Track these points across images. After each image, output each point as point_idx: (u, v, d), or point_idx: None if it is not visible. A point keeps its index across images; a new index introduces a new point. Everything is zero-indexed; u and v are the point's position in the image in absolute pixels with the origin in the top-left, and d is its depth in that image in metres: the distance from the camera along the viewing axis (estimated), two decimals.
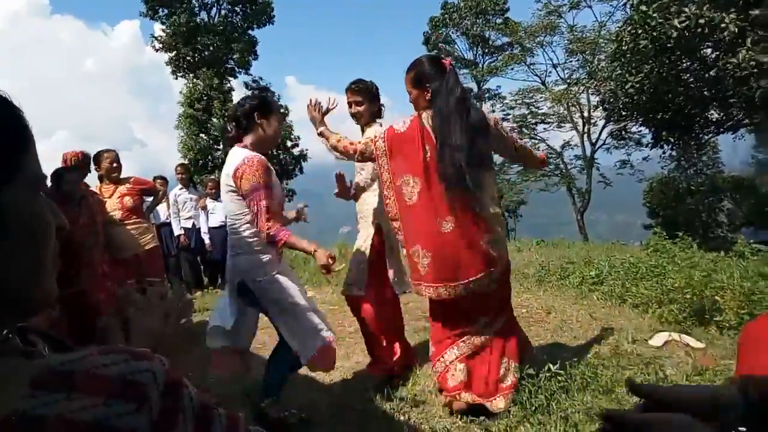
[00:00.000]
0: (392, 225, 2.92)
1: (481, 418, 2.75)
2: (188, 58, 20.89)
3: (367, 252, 3.33)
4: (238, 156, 2.55)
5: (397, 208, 2.83)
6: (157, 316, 0.83)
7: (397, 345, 3.46)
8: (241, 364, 2.77)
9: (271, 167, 2.61)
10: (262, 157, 2.57)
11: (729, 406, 0.69)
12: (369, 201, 3.36)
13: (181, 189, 7.38)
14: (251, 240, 2.59)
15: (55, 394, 0.48)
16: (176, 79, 21.20)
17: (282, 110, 21.73)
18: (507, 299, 2.99)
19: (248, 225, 2.57)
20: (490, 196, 2.79)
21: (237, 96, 20.23)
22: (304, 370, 3.76)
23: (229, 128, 2.71)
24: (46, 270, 0.61)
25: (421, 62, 2.87)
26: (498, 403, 2.76)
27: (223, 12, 21.86)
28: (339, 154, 3.06)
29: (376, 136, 2.90)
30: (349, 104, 3.40)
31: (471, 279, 2.71)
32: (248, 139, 2.65)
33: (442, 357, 2.87)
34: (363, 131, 3.43)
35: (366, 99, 3.34)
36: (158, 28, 21.32)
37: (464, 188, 2.63)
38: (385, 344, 3.41)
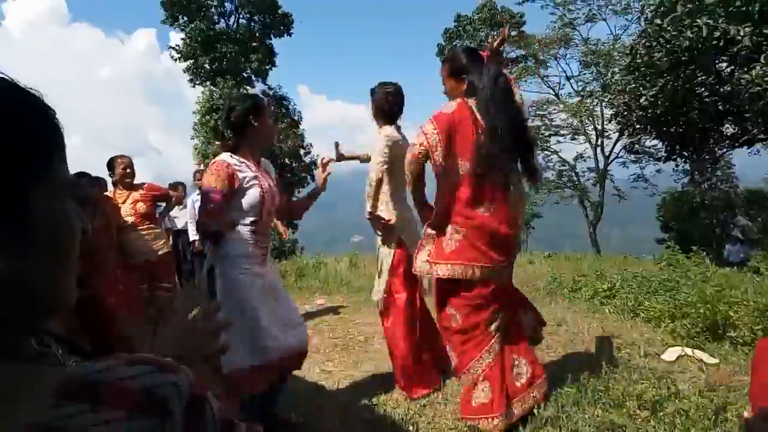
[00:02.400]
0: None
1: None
2: (206, 66, 21.10)
3: (387, 268, 3.36)
4: (213, 161, 2.60)
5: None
6: (183, 330, 0.82)
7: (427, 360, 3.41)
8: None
9: (244, 172, 2.57)
10: (230, 163, 2.54)
11: None
12: (386, 214, 3.35)
13: (198, 194, 7.38)
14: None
15: (80, 405, 0.47)
16: (194, 87, 21.40)
17: (296, 118, 21.88)
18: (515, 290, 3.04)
19: None
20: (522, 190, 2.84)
21: None
22: (313, 377, 3.78)
23: (226, 135, 2.68)
24: (69, 274, 0.61)
25: (457, 53, 2.88)
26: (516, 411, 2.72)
27: (242, 21, 22.09)
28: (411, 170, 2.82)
29: (424, 133, 2.69)
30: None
31: (495, 264, 2.69)
32: (245, 144, 2.65)
33: (469, 370, 2.75)
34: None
35: None
36: (176, 37, 21.59)
37: (506, 176, 2.65)
38: (414, 358, 3.33)
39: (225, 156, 2.59)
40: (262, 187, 2.61)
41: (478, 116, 2.68)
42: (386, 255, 3.39)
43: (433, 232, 2.83)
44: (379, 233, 3.40)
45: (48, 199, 0.56)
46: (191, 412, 0.52)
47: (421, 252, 2.88)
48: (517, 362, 2.80)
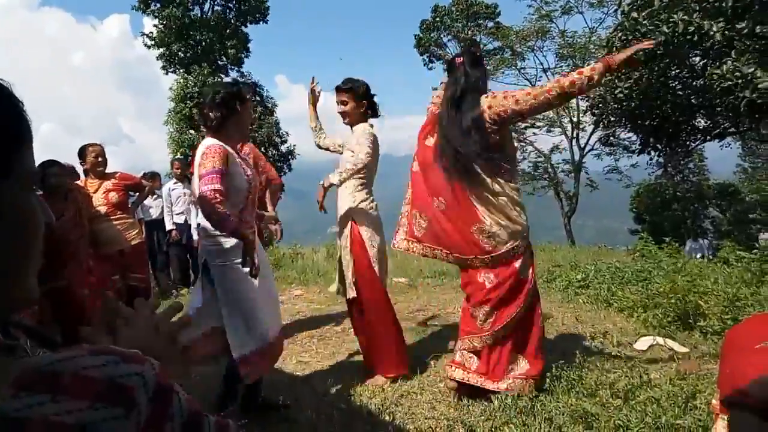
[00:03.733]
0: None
1: (465, 416, 2.76)
2: (180, 53, 20.75)
3: (349, 252, 3.41)
4: (203, 146, 2.59)
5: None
6: (145, 330, 0.80)
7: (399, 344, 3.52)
8: (214, 344, 2.69)
9: (234, 156, 2.61)
10: (224, 146, 2.56)
11: None
12: (344, 199, 3.43)
13: (176, 183, 7.25)
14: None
15: (39, 396, 0.46)
16: (167, 74, 21.04)
17: (269, 106, 21.66)
18: (520, 293, 2.95)
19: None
20: (493, 191, 2.86)
21: None
22: (290, 368, 3.77)
23: (212, 116, 2.65)
24: (32, 268, 0.59)
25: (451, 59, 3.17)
26: (500, 385, 2.88)
27: (216, 8, 21.75)
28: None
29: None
30: (337, 103, 3.48)
31: (454, 254, 2.98)
32: (226, 129, 2.65)
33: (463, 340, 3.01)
34: (352, 130, 3.48)
35: (352, 99, 3.40)
36: (149, 24, 21.19)
37: (459, 176, 2.86)
38: (386, 342, 3.43)
39: (212, 140, 2.60)
40: (247, 174, 2.65)
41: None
42: (345, 241, 3.45)
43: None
44: (318, 200, 3.30)
45: (13, 191, 0.55)
46: (157, 402, 0.51)
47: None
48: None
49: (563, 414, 2.65)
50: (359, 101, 3.42)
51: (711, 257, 11.04)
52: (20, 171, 0.56)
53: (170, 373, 0.56)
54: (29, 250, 0.58)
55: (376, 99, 3.51)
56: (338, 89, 3.45)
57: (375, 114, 3.53)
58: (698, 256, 11.93)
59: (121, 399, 0.48)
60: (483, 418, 2.73)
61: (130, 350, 0.53)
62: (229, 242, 2.58)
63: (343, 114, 3.45)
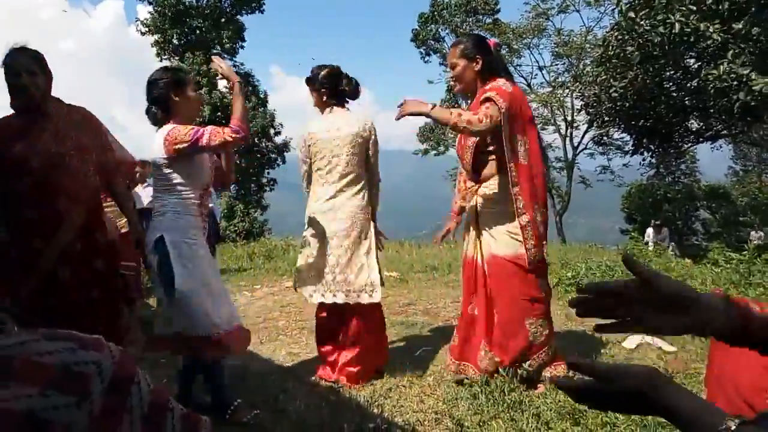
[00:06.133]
0: (513, 191, 2.80)
1: (453, 410, 2.76)
2: (174, 40, 20.60)
3: (375, 251, 3.25)
4: (164, 132, 2.59)
5: (517, 173, 2.80)
6: None
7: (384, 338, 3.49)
8: None
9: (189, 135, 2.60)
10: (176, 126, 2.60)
11: None
12: (353, 200, 3.23)
13: None
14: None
15: None
16: (161, 61, 20.89)
17: (262, 97, 21.51)
18: None
19: (163, 194, 2.65)
20: None
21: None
22: (280, 359, 3.76)
23: (154, 111, 2.69)
24: None
25: (467, 38, 2.99)
26: None
27: None
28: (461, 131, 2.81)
29: (497, 100, 2.68)
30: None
31: None
32: (174, 119, 2.67)
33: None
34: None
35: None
36: (144, 10, 21.04)
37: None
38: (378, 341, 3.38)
39: (169, 127, 2.60)
40: (199, 161, 2.70)
41: None
42: (369, 242, 3.23)
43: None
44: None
45: None
46: (113, 393, 0.49)
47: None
48: None
49: (551, 410, 2.66)
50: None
51: (664, 244, 11.28)
52: None
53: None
54: None
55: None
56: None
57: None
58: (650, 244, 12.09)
59: (74, 387, 0.46)
60: (471, 412, 2.74)
61: (89, 336, 0.51)
62: (184, 221, 2.63)
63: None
